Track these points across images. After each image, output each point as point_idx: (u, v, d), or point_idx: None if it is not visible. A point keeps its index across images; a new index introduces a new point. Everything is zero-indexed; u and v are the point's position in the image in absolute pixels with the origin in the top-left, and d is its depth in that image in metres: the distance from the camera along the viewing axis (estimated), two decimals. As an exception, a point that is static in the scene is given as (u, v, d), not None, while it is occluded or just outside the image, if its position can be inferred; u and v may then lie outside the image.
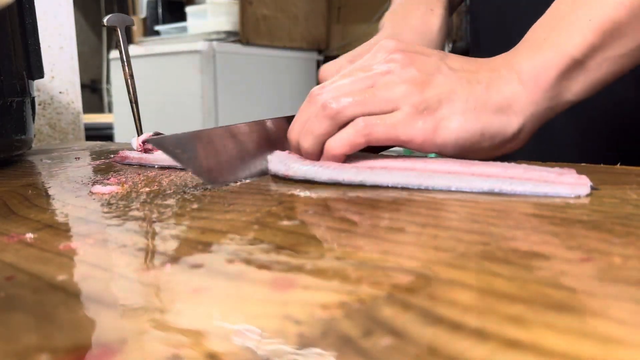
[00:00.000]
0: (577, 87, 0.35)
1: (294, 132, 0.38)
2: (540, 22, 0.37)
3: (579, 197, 0.28)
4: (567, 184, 0.29)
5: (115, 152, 0.58)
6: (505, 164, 0.33)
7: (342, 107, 0.34)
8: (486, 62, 0.37)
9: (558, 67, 0.35)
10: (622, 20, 0.34)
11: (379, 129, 0.34)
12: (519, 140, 0.36)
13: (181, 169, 0.42)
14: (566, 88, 0.35)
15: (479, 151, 0.35)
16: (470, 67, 0.36)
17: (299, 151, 0.38)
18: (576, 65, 0.35)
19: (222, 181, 0.36)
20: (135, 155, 0.48)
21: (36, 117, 0.68)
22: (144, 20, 2.20)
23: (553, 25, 0.36)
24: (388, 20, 0.54)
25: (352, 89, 0.35)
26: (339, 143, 0.35)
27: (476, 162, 0.33)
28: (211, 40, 1.86)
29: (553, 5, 0.37)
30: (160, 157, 0.45)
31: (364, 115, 0.34)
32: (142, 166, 0.46)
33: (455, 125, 0.34)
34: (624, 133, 0.52)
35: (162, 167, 0.44)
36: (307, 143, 0.36)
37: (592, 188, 0.29)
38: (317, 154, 0.36)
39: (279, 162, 0.37)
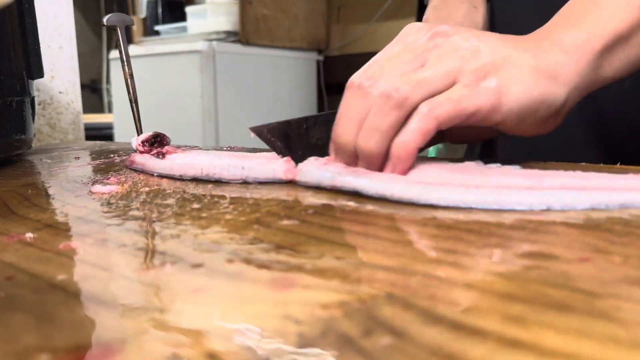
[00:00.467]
0: (617, 63, 0.35)
1: (348, 133, 0.33)
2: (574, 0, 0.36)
3: None
4: None
5: (115, 151, 0.58)
6: (572, 172, 0.30)
7: (408, 93, 0.31)
8: (522, 36, 0.35)
9: (603, 39, 0.34)
10: None
11: (446, 107, 0.31)
12: (562, 114, 0.34)
13: (179, 178, 0.39)
14: (608, 63, 0.34)
15: (533, 124, 0.33)
16: (511, 38, 0.35)
17: (348, 157, 0.34)
18: (620, 40, 0.34)
19: None
20: (145, 162, 0.43)
21: (36, 117, 0.68)
22: (144, 20, 2.20)
23: (594, 1, 0.35)
24: (432, 16, 0.53)
25: (405, 71, 0.32)
26: (411, 136, 0.31)
27: (540, 172, 0.30)
28: (211, 40, 1.85)
29: None
30: (168, 165, 0.40)
31: (429, 97, 0.32)
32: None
33: (518, 89, 0.32)
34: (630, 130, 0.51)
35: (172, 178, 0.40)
36: (372, 142, 0.32)
37: None
38: (383, 155, 0.32)
39: (318, 170, 0.33)
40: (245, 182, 0.36)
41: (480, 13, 0.53)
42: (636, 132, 0.50)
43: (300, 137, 0.38)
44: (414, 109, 0.31)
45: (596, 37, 0.34)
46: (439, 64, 0.32)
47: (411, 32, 0.35)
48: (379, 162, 0.32)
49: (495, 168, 0.32)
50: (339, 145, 0.34)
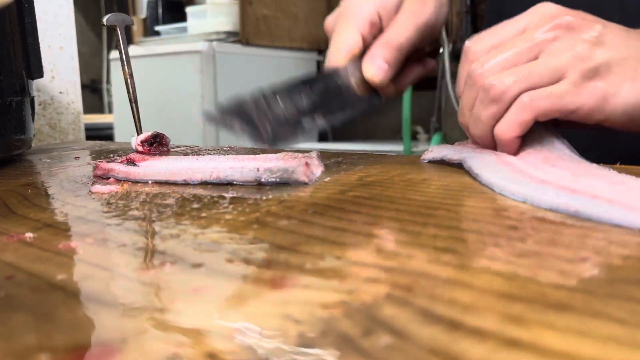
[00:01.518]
0: None
1: (464, 117, 0.36)
2: None
3: None
4: None
5: (115, 151, 0.58)
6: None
7: (507, 88, 0.33)
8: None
9: None
10: None
11: (545, 102, 0.32)
12: None
13: (174, 184, 0.37)
14: None
15: None
16: (635, 34, 0.35)
17: (471, 137, 0.37)
18: None
19: (282, 142, 0.36)
20: (121, 169, 0.40)
21: (36, 117, 0.68)
22: (144, 20, 2.20)
23: None
24: None
25: (516, 62, 0.33)
26: (507, 127, 0.33)
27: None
28: (211, 40, 1.85)
29: None
30: (150, 170, 0.38)
31: (529, 89, 0.33)
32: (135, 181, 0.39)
33: (627, 90, 0.32)
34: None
35: (156, 182, 0.38)
36: (478, 130, 0.35)
37: None
38: (490, 140, 0.35)
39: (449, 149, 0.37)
40: (252, 184, 0.36)
41: None
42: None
43: (264, 114, 0.37)
44: (514, 99, 0.33)
45: None
46: (551, 59, 0.33)
47: (539, 15, 0.35)
48: (491, 145, 0.35)
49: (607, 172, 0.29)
50: (462, 126, 0.37)
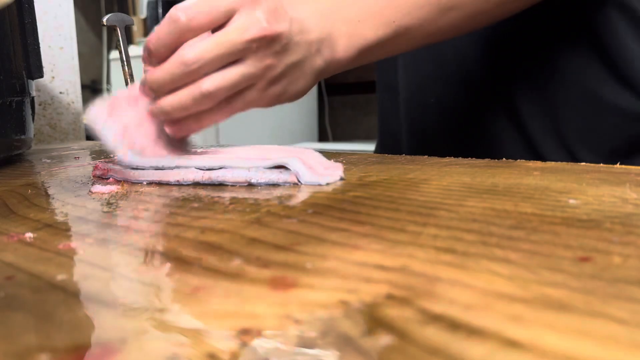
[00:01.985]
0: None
1: (160, 86, 0.38)
2: None
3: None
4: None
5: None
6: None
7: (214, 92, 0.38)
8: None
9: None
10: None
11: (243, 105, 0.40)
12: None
13: (176, 184, 0.37)
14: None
15: None
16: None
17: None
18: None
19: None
20: (119, 169, 0.40)
21: (36, 118, 0.68)
22: (144, 20, 2.20)
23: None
24: None
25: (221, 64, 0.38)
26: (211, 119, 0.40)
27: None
28: (211, 40, 1.85)
29: None
30: (144, 172, 0.38)
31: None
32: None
33: (301, 84, 0.41)
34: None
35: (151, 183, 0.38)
36: (178, 118, 0.39)
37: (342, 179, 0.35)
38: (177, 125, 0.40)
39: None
40: (243, 184, 0.36)
41: None
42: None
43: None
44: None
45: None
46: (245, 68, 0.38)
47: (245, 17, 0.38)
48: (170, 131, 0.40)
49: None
50: (152, 90, 0.40)
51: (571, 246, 0.21)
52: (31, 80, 0.57)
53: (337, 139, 2.28)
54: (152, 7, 2.19)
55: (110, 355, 0.14)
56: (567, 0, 0.51)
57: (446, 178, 0.35)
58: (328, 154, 0.46)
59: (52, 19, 0.81)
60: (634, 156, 0.51)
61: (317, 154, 0.39)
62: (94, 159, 0.55)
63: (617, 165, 0.36)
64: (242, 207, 0.29)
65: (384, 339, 0.14)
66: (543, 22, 0.53)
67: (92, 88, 3.17)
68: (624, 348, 0.13)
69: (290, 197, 0.31)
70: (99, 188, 0.36)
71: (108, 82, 2.92)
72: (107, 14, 0.53)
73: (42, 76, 0.58)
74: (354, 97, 2.28)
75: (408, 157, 0.46)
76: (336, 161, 0.40)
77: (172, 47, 0.36)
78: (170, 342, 0.15)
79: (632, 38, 0.50)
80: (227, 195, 0.33)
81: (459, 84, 0.58)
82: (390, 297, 0.17)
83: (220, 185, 0.36)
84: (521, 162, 0.39)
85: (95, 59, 3.11)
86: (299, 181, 0.35)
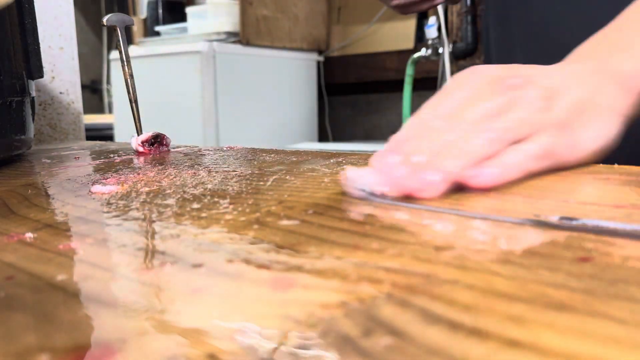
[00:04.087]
0: None
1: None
2: (621, 24, 0.36)
3: None
4: None
5: (115, 151, 0.58)
6: None
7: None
8: (579, 67, 0.35)
9: None
10: None
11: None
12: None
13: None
14: None
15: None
16: (568, 73, 0.34)
17: None
18: None
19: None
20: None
21: (37, 118, 0.68)
22: (144, 20, 2.20)
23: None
24: None
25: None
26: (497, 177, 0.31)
27: None
28: (211, 40, 1.85)
29: (632, 7, 0.37)
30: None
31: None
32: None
33: (588, 136, 0.33)
34: None
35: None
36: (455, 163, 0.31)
37: None
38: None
39: None
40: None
41: None
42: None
43: None
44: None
45: None
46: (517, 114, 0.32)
47: (478, 81, 0.33)
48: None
49: None
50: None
51: (571, 246, 0.21)
52: (31, 81, 0.57)
53: (337, 139, 2.28)
54: (152, 7, 2.19)
55: (110, 356, 0.14)
56: None
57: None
58: (328, 154, 0.46)
59: (52, 19, 0.81)
60: None
61: None
62: (94, 159, 0.55)
63: (616, 166, 0.36)
64: (242, 207, 0.29)
65: (384, 339, 0.14)
66: None
67: (93, 88, 3.17)
68: (624, 348, 0.13)
69: (290, 197, 0.31)
70: (99, 188, 0.36)
71: (108, 82, 2.92)
72: (107, 14, 0.53)
73: (42, 76, 0.58)
74: (354, 97, 2.28)
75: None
76: (336, 161, 0.40)
77: None
78: (170, 342, 0.15)
79: None
80: (227, 195, 0.33)
81: None
82: (390, 297, 0.17)
83: (220, 185, 0.36)
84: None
85: (95, 59, 3.11)
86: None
